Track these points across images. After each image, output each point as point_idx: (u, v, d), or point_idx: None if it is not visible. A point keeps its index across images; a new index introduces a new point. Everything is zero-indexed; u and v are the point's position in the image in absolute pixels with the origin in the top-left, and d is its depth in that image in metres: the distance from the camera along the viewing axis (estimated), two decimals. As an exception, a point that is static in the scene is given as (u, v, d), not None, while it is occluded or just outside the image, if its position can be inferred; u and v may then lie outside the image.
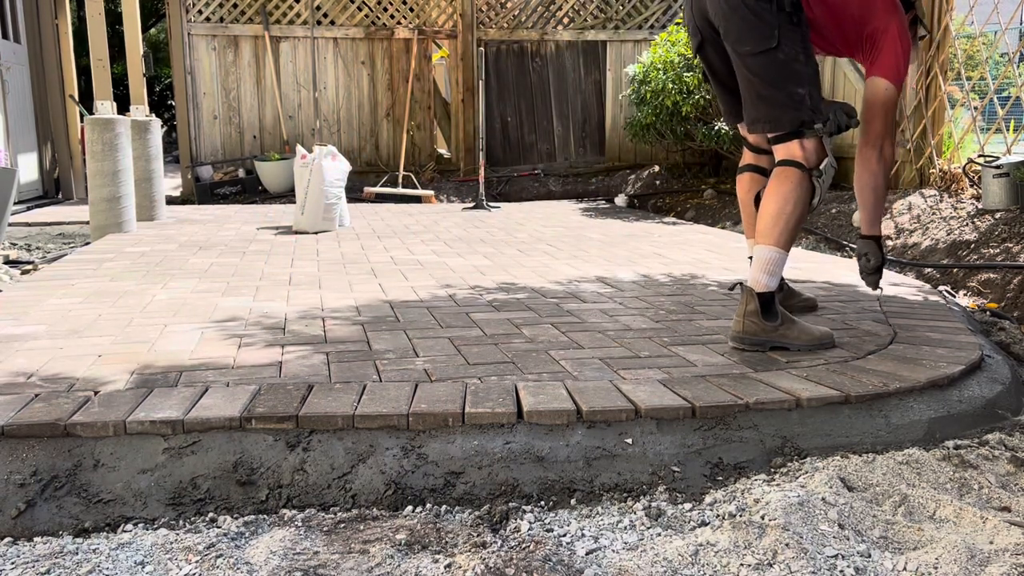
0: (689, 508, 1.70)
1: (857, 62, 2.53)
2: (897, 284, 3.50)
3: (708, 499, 1.73)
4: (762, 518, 1.58)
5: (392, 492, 1.75)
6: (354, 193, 7.97)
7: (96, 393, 1.98)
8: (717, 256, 4.27)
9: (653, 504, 1.71)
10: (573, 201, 7.89)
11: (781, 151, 2.41)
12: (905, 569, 1.44)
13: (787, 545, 1.49)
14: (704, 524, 1.62)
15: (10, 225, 5.39)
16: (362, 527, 1.63)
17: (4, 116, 7.25)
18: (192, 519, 1.68)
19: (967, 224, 4.40)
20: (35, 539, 1.63)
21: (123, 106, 6.13)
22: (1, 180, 4.88)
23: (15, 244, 5.33)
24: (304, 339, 2.53)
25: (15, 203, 5.42)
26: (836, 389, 2.03)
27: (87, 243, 5.03)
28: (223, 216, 6.32)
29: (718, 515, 1.64)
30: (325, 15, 8.22)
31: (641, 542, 1.56)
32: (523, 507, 1.71)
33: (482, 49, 8.06)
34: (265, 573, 1.46)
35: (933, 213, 4.77)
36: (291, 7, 8.14)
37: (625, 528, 1.62)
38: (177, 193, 8.16)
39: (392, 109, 8.44)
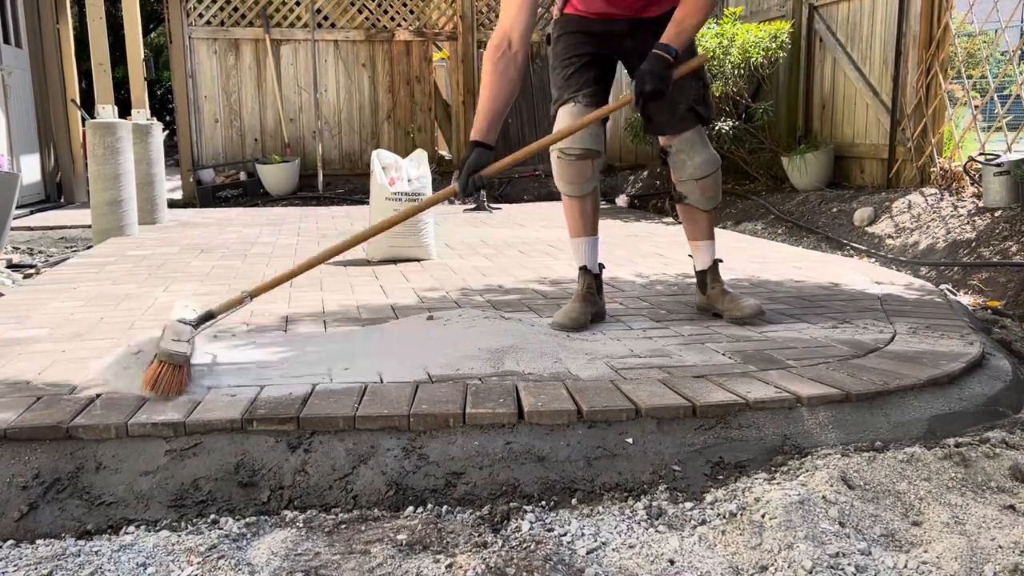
0: (690, 507, 1.70)
1: None
2: (897, 283, 3.50)
3: (709, 498, 1.73)
4: (763, 517, 1.58)
5: (393, 493, 1.76)
6: (355, 196, 7.99)
7: (98, 396, 1.98)
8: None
9: (654, 503, 1.72)
10: (574, 202, 7.86)
11: None
12: (906, 567, 1.44)
13: (788, 544, 1.49)
14: (705, 523, 1.63)
15: (12, 229, 5.40)
16: (363, 528, 1.63)
17: (6, 120, 7.27)
18: (194, 521, 1.69)
19: (968, 223, 4.40)
20: (37, 541, 1.63)
21: (124, 110, 6.14)
22: (3, 185, 4.90)
23: (17, 248, 5.34)
24: (305, 340, 2.54)
25: (17, 207, 5.43)
26: (837, 387, 2.03)
27: (89, 247, 5.04)
28: (225, 219, 6.33)
29: (719, 514, 1.64)
30: (326, 18, 8.23)
31: (642, 541, 1.57)
32: (524, 507, 1.71)
33: (483, 51, 8.05)
34: (267, 574, 1.46)
35: (934, 212, 4.77)
36: (291, 10, 8.15)
37: (626, 527, 1.63)
38: (179, 196, 8.16)
39: (393, 111, 8.45)
